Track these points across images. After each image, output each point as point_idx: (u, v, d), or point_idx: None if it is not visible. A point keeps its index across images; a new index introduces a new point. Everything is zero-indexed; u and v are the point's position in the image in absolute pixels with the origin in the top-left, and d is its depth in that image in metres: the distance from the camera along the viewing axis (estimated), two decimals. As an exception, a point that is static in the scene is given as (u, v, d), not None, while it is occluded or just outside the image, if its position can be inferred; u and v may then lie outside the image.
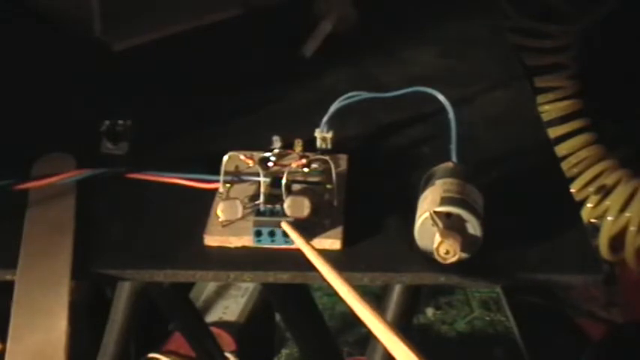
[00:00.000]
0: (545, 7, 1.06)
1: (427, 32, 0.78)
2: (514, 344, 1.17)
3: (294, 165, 0.57)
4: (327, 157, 0.57)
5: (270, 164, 0.58)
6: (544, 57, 1.04)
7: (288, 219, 0.53)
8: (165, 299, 0.90)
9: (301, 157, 0.58)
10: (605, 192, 1.02)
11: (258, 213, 0.53)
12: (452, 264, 0.51)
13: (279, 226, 0.52)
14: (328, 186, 0.56)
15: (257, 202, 0.54)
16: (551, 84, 1.05)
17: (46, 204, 0.56)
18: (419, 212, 0.53)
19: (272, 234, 0.52)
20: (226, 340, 1.06)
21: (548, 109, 1.04)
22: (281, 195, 0.54)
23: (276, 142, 0.59)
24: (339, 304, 1.20)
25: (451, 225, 0.51)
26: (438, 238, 0.51)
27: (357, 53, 0.75)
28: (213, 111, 0.67)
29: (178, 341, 1.04)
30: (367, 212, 0.56)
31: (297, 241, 0.51)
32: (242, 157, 0.58)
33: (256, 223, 0.53)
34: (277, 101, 0.68)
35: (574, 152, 1.04)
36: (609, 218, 1.01)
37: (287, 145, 0.59)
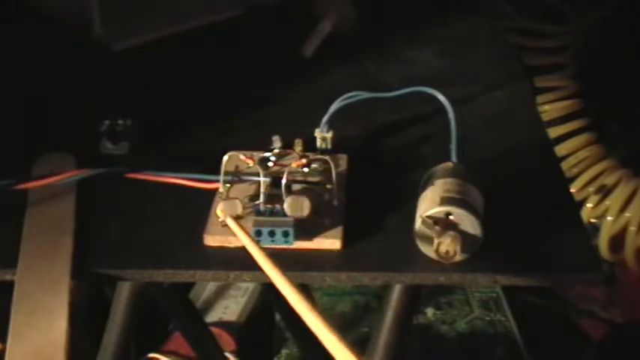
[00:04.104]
0: (545, 7, 1.06)
1: (427, 32, 0.78)
2: (514, 344, 1.17)
3: (294, 165, 0.57)
4: (327, 157, 0.57)
5: (270, 164, 0.58)
6: (544, 57, 1.04)
7: (287, 219, 0.53)
8: (166, 299, 0.90)
9: (301, 157, 0.58)
10: (605, 192, 1.02)
11: (258, 213, 0.53)
12: (452, 264, 0.51)
13: (279, 226, 0.52)
14: (328, 186, 0.56)
15: (257, 202, 0.54)
16: (551, 84, 1.04)
17: (46, 204, 0.56)
18: (419, 212, 0.53)
19: (272, 234, 0.52)
20: (226, 340, 1.06)
21: (548, 109, 1.04)
22: (281, 195, 0.54)
23: (276, 142, 0.59)
24: (339, 304, 1.20)
25: (451, 225, 0.51)
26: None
27: (357, 53, 0.75)
28: (213, 111, 0.68)
29: (178, 341, 1.04)
30: (367, 212, 0.56)
31: (241, 236, 0.51)
32: (242, 157, 0.58)
33: (256, 223, 0.53)
34: (277, 101, 0.68)
35: (574, 152, 1.04)
36: (609, 218, 1.01)
37: (287, 145, 0.59)
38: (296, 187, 0.56)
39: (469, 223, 0.51)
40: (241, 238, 0.51)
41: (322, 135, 0.60)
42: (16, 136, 0.64)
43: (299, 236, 0.53)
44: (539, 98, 1.03)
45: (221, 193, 0.56)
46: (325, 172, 0.57)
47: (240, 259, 0.52)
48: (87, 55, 0.75)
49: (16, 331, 0.49)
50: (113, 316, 0.81)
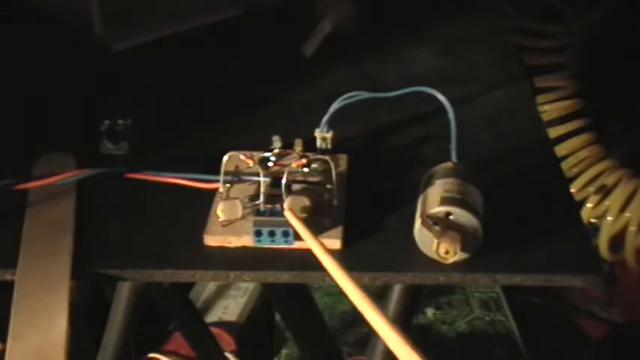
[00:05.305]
0: (545, 7, 1.06)
1: (427, 32, 0.78)
2: (514, 344, 1.17)
3: (294, 165, 0.57)
4: (327, 157, 0.57)
5: (270, 164, 0.58)
6: (544, 57, 1.04)
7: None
8: (166, 299, 0.90)
9: (301, 157, 0.58)
10: (605, 192, 1.02)
11: (258, 213, 0.53)
12: (452, 264, 0.51)
13: (279, 226, 0.52)
14: (328, 186, 0.56)
15: (257, 202, 0.54)
16: (551, 84, 1.04)
17: (46, 204, 0.56)
18: (419, 212, 0.53)
19: (272, 234, 0.52)
20: (226, 340, 1.06)
21: (548, 109, 1.04)
22: (281, 195, 0.54)
23: (276, 142, 0.59)
24: (339, 304, 1.20)
25: (451, 225, 0.51)
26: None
27: (357, 53, 0.75)
28: (213, 111, 0.68)
29: (178, 341, 1.04)
30: (367, 212, 0.56)
31: (301, 232, 0.51)
32: (242, 157, 0.58)
33: (256, 223, 0.53)
34: (277, 101, 0.68)
35: (574, 152, 1.04)
36: (609, 218, 1.01)
37: (287, 145, 0.59)
38: (296, 187, 0.56)
39: (469, 223, 0.51)
40: (304, 237, 0.51)
41: (322, 135, 0.60)
42: (16, 136, 0.64)
43: (299, 236, 0.53)
44: (539, 98, 1.03)
45: (221, 193, 0.56)
46: (325, 172, 0.57)
47: (240, 259, 0.52)
48: (87, 55, 0.75)
49: (16, 331, 0.49)
50: (113, 316, 0.81)
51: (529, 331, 1.18)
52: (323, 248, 0.50)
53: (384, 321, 0.45)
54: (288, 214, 0.52)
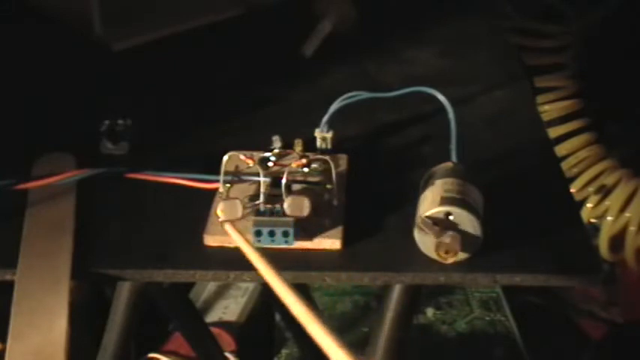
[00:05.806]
0: (545, 7, 1.06)
1: (427, 32, 0.78)
2: (514, 344, 1.17)
3: (294, 165, 0.57)
4: (327, 157, 0.57)
5: (270, 164, 0.58)
6: (544, 57, 1.04)
7: (287, 219, 0.53)
8: (166, 299, 0.90)
9: (301, 157, 0.58)
10: (605, 192, 1.02)
11: (258, 213, 0.53)
12: (452, 264, 0.51)
13: (279, 226, 0.52)
14: (328, 186, 0.56)
15: (257, 202, 0.54)
16: (551, 84, 1.04)
17: (46, 204, 0.56)
18: (419, 212, 0.53)
19: (272, 234, 0.52)
20: (226, 340, 1.06)
21: (548, 109, 1.04)
22: (281, 195, 0.54)
23: (276, 142, 0.59)
24: (339, 304, 1.20)
25: (451, 225, 0.51)
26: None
27: (357, 53, 0.75)
28: (213, 111, 0.68)
29: (178, 341, 1.04)
30: (367, 212, 0.56)
31: (236, 239, 0.51)
32: (242, 157, 0.58)
33: (256, 223, 0.53)
34: (277, 101, 0.68)
35: (574, 152, 1.04)
36: (609, 218, 1.01)
37: (287, 145, 0.59)
38: (296, 187, 0.56)
39: (469, 223, 0.51)
40: (236, 241, 0.51)
41: (322, 135, 0.60)
42: (16, 136, 0.64)
43: (299, 236, 0.53)
44: (539, 98, 1.03)
45: (221, 193, 0.56)
46: (325, 172, 0.57)
47: (240, 259, 0.52)
48: (87, 55, 0.75)
49: (16, 331, 0.49)
50: (113, 316, 0.81)
51: (529, 331, 1.18)
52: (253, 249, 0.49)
53: (316, 323, 0.44)
54: (229, 228, 0.51)
